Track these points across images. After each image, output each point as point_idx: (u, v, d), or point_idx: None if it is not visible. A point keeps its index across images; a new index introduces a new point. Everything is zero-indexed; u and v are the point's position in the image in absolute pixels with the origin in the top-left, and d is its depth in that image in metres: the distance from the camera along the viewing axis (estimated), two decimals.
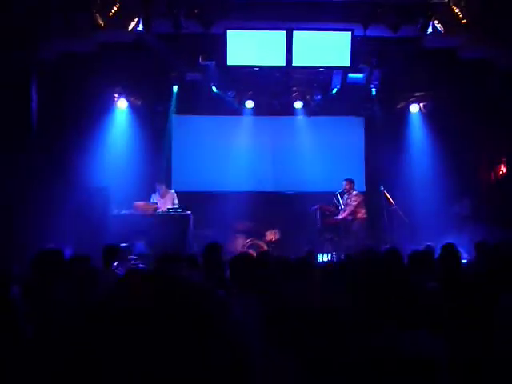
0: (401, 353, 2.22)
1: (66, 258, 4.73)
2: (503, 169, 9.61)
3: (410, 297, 3.13)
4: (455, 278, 3.97)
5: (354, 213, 9.18)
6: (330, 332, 2.32)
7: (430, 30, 7.88)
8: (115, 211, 8.79)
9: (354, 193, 9.33)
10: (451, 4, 7.58)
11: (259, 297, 3.15)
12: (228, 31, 8.45)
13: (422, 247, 6.65)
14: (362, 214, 9.22)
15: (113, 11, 7.78)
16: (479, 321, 3.10)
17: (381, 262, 4.48)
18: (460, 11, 7.52)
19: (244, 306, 2.92)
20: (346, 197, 9.42)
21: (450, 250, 5.04)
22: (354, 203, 9.19)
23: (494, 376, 2.64)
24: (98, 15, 7.73)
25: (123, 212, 8.80)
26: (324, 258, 8.85)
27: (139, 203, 8.95)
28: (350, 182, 9.42)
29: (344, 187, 9.40)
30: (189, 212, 9.01)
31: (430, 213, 9.37)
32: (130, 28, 7.93)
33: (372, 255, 5.15)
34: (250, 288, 3.25)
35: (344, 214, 9.25)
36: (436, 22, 7.83)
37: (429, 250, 5.83)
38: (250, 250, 9.20)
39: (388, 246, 6.75)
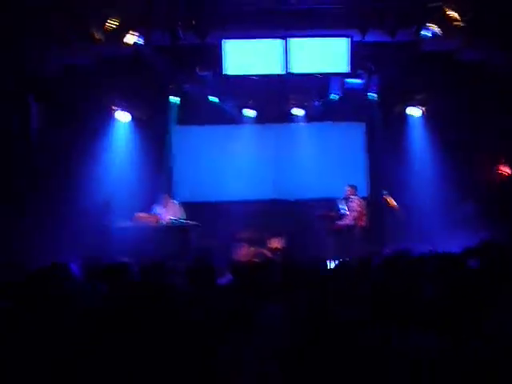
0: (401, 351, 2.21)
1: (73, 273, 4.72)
2: (506, 170, 9.60)
3: (408, 300, 3.12)
4: (457, 282, 3.94)
5: (357, 219, 9.16)
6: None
7: (427, 33, 7.89)
8: (118, 224, 8.79)
9: (356, 198, 9.30)
10: (447, 7, 7.58)
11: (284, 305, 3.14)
12: (224, 41, 8.47)
13: (424, 251, 6.61)
14: (362, 221, 9.20)
15: (111, 25, 7.81)
16: (479, 321, 3.08)
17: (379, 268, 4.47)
18: (456, 14, 7.52)
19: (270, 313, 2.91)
20: (348, 202, 9.40)
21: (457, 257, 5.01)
22: (359, 209, 9.16)
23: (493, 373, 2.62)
24: (95, 29, 7.77)
25: (126, 224, 8.78)
26: (331, 264, 8.79)
27: (141, 214, 8.94)
28: (352, 187, 9.42)
29: (346, 193, 9.39)
30: (192, 222, 9.00)
31: (434, 216, 9.34)
32: (129, 41, 7.96)
33: (369, 261, 5.13)
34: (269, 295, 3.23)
35: (348, 220, 9.22)
36: (433, 25, 7.83)
37: (432, 254, 5.81)
38: (255, 259, 9.19)
39: (389, 251, 6.71)
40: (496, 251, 4.82)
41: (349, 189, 9.39)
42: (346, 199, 9.44)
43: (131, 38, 7.89)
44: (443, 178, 9.67)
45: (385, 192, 9.29)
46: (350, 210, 9.28)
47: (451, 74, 9.04)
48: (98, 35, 7.61)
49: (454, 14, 7.60)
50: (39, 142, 8.39)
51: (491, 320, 2.82)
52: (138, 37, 7.96)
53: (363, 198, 9.54)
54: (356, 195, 9.37)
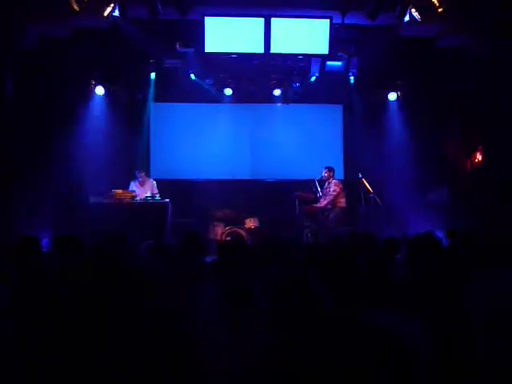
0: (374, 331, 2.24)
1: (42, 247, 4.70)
2: (479, 157, 9.73)
3: (379, 279, 3.18)
4: (430, 264, 4.02)
5: (333, 202, 9.20)
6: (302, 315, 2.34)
7: (407, 18, 7.91)
8: (93, 199, 8.72)
9: (334, 181, 9.32)
10: None
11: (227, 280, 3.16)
12: (206, 18, 8.39)
13: (398, 234, 6.71)
14: (341, 202, 9.24)
15: None
16: (452, 303, 3.15)
17: (350, 247, 4.53)
18: (436, 0, 7.55)
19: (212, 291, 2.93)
20: (325, 185, 9.43)
21: (431, 238, 5.11)
22: (334, 193, 9.18)
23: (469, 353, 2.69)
24: (73, 0, 7.61)
25: (101, 200, 8.71)
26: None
27: (117, 191, 8.88)
28: (330, 170, 9.40)
29: (323, 175, 9.41)
30: (167, 200, 8.98)
31: (407, 200, 9.44)
32: (106, 13, 7.82)
33: (342, 240, 5.20)
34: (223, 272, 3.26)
35: (323, 203, 9.26)
36: (413, 10, 7.85)
37: (404, 237, 5.91)
38: (229, 238, 9.22)
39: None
40: (462, 237, 4.94)
41: (326, 171, 9.40)
42: (323, 181, 9.47)
43: (108, 10, 7.74)
44: (418, 163, 9.78)
45: (360, 175, 9.33)
46: (327, 193, 9.32)
47: (430, 59, 9.10)
48: (75, 6, 7.45)
49: (435, 0, 7.62)
50: (14, 117, 8.22)
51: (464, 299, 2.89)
52: (114, 9, 7.80)
53: (339, 181, 9.58)
54: (333, 178, 9.40)
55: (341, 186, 9.33)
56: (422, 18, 7.85)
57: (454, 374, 2.27)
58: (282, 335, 2.31)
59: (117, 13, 7.93)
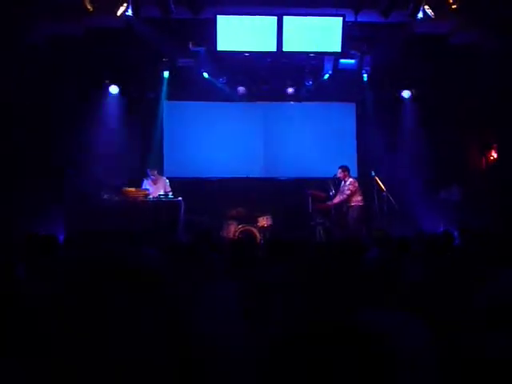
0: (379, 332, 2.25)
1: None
2: (494, 154, 9.65)
3: (390, 278, 3.17)
4: (445, 263, 4.01)
5: (348, 200, 9.18)
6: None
7: (420, 15, 7.86)
8: (106, 197, 8.79)
9: (350, 180, 9.29)
10: None
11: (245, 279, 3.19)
12: (218, 16, 8.41)
13: (411, 233, 6.69)
14: (358, 201, 9.21)
15: None
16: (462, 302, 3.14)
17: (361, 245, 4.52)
18: None
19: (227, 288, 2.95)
20: (341, 184, 9.42)
21: (446, 236, 5.11)
22: (348, 192, 9.16)
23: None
24: (86, 0, 7.68)
25: (114, 198, 8.78)
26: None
27: (129, 189, 8.94)
28: (344, 169, 9.39)
29: (338, 175, 9.40)
30: (180, 198, 9.02)
31: (420, 198, 9.40)
32: (119, 13, 7.89)
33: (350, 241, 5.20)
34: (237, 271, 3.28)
35: (336, 200, 9.27)
36: (427, 7, 7.80)
37: (418, 236, 5.90)
38: (242, 236, 9.24)
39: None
40: (474, 236, 4.91)
41: (340, 171, 9.38)
42: (337, 181, 9.46)
43: (121, 10, 7.80)
44: (431, 161, 9.72)
45: (373, 173, 9.31)
46: (341, 191, 9.31)
47: (444, 56, 9.03)
48: (88, 6, 7.52)
49: None
50: (27, 115, 8.31)
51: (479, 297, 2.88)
52: (128, 8, 7.85)
53: (356, 180, 9.55)
54: (349, 176, 9.37)
55: (357, 184, 9.31)
56: (435, 14, 7.79)
57: (460, 374, 2.27)
58: (295, 331, 2.32)
59: (130, 12, 7.97)
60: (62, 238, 7.36)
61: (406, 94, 10.51)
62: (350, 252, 3.99)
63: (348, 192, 9.16)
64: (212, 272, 3.83)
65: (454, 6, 7.49)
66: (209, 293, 2.75)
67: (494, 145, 9.62)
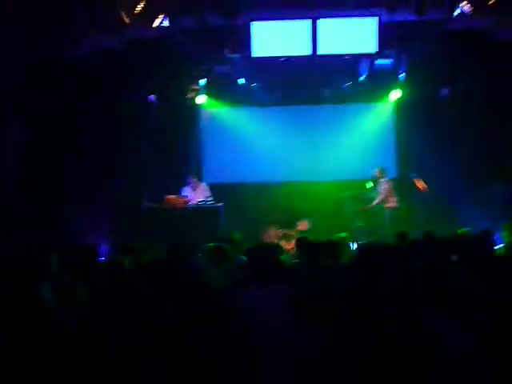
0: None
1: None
2: None
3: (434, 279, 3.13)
4: (485, 264, 3.93)
5: (383, 201, 9.13)
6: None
7: (457, 11, 7.73)
8: (148, 205, 8.96)
9: (383, 180, 9.27)
10: None
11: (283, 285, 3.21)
12: (252, 22, 8.47)
13: (454, 233, 6.57)
14: (392, 202, 9.15)
15: (138, 8, 7.90)
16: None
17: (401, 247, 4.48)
18: None
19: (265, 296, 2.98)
20: (377, 185, 9.39)
21: (484, 237, 5.00)
22: (384, 191, 9.14)
23: None
24: (123, 13, 7.87)
25: (155, 206, 8.94)
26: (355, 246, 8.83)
27: (170, 197, 9.08)
28: (382, 170, 9.38)
29: (375, 175, 9.37)
30: (220, 204, 9.10)
31: (463, 198, 9.23)
32: (156, 24, 8.05)
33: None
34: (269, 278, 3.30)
35: (374, 202, 9.21)
36: (464, 3, 7.67)
37: (461, 235, 5.80)
38: (282, 241, 9.26)
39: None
40: None
41: (377, 171, 9.37)
42: (375, 181, 9.41)
43: (157, 21, 7.96)
44: (472, 159, 9.52)
45: (413, 174, 9.21)
46: (378, 192, 9.25)
47: (483, 53, 8.84)
48: (126, 19, 7.70)
49: None
50: (67, 127, 8.57)
51: None
52: (165, 19, 8.01)
53: (391, 180, 9.47)
54: (385, 178, 9.32)
55: (391, 184, 9.24)
56: (472, 10, 7.65)
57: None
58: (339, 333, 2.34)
59: (166, 23, 8.12)
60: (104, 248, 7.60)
61: (444, 92, 10.32)
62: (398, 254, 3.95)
63: (384, 192, 9.12)
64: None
65: (491, 2, 7.33)
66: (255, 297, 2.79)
67: None
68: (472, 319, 2.75)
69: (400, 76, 9.96)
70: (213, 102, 10.72)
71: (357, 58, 9.49)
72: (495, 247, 5.55)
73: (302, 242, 5.71)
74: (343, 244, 6.21)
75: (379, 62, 9.55)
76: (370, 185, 9.43)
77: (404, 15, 8.24)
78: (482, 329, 2.74)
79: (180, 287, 2.46)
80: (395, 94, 10.29)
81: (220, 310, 2.30)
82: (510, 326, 2.67)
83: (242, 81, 10.13)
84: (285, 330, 2.49)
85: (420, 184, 9.09)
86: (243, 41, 8.77)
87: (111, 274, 3.62)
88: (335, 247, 5.14)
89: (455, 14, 7.82)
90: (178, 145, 10.51)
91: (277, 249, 4.61)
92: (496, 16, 7.84)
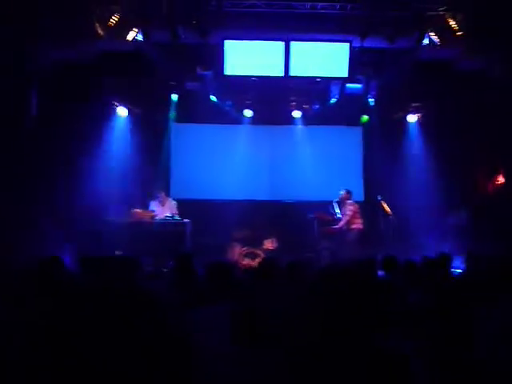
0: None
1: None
2: (501, 179, 9.64)
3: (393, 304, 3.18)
4: (441, 288, 4.00)
5: (349, 223, 9.21)
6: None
7: (425, 41, 7.96)
8: (114, 219, 8.85)
9: (349, 202, 9.36)
10: (447, 16, 7.66)
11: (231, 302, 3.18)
12: (225, 41, 8.54)
13: (417, 257, 6.67)
14: (357, 224, 9.24)
15: (112, 21, 7.88)
16: (459, 331, 3.13)
17: (357, 271, 4.52)
18: (455, 23, 7.60)
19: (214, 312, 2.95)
20: (342, 207, 9.46)
21: (442, 261, 5.11)
22: (350, 213, 9.21)
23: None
24: (97, 25, 7.84)
25: (121, 220, 8.84)
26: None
27: (137, 211, 8.99)
28: (347, 192, 9.46)
29: (341, 197, 9.45)
30: (187, 220, 9.05)
31: (426, 223, 9.40)
32: (130, 38, 8.03)
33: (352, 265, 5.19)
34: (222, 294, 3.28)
35: (340, 224, 9.28)
36: (432, 34, 7.91)
37: (423, 260, 5.89)
38: (247, 259, 9.26)
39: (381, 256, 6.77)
40: (480, 262, 4.90)
41: (344, 193, 9.44)
42: (340, 203, 9.49)
43: (131, 35, 7.96)
44: (438, 185, 9.73)
45: (379, 197, 9.33)
46: (344, 214, 9.34)
47: (450, 81, 9.09)
48: (100, 31, 7.67)
49: (453, 23, 7.67)
50: (36, 138, 8.43)
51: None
52: (138, 33, 8.02)
53: (358, 203, 9.59)
54: (350, 200, 9.42)
55: (356, 206, 9.34)
56: (440, 41, 7.89)
57: None
58: (295, 358, 2.32)
59: (140, 37, 8.12)
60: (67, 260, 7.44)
61: (411, 118, 10.58)
62: (360, 276, 3.98)
63: (350, 213, 9.20)
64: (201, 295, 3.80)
65: (458, 33, 7.57)
66: (199, 317, 2.75)
67: (502, 169, 9.62)
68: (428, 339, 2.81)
69: (369, 100, 10.17)
70: (183, 117, 10.72)
71: (328, 81, 9.64)
72: (454, 271, 5.68)
73: (264, 262, 5.70)
74: (307, 264, 6.23)
75: (350, 86, 9.73)
76: (335, 207, 9.50)
77: (375, 42, 8.43)
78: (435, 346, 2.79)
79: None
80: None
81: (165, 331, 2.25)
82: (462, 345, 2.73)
83: (213, 98, 10.17)
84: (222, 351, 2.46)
85: (385, 207, 9.22)
86: (216, 58, 8.82)
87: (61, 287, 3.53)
88: (298, 268, 5.14)
89: (424, 43, 8.02)
90: (147, 159, 10.42)
91: (232, 266, 4.59)
92: (462, 47, 8.09)
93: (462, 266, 6.67)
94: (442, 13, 7.75)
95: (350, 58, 8.66)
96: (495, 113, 8.89)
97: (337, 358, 2.21)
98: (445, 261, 5.00)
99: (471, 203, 9.71)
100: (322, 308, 2.74)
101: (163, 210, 9.36)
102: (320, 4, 8.03)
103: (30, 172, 8.33)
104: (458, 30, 7.68)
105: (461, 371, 2.56)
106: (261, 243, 9.78)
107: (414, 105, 10.45)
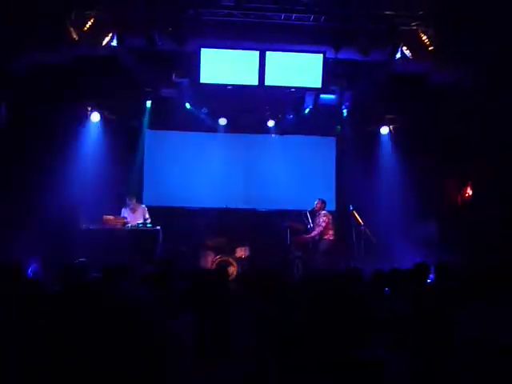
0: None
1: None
2: (469, 192, 9.84)
3: (362, 313, 3.21)
4: (420, 297, 4.07)
5: (322, 233, 9.28)
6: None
7: (398, 55, 8.10)
8: (84, 226, 8.73)
9: (323, 213, 9.44)
10: (419, 31, 7.81)
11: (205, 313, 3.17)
12: (202, 49, 8.56)
13: (388, 267, 6.74)
14: (329, 234, 9.32)
15: (87, 26, 7.81)
16: (436, 341, 3.18)
17: (337, 281, 4.56)
18: (427, 38, 7.75)
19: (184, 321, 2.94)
20: (316, 216, 9.52)
21: (421, 270, 5.20)
22: (323, 223, 9.29)
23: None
24: (72, 29, 7.76)
25: (92, 227, 8.73)
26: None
27: (108, 217, 8.90)
28: (322, 202, 9.54)
29: (315, 206, 9.52)
30: (158, 227, 9.00)
31: (397, 234, 9.51)
32: (104, 43, 7.97)
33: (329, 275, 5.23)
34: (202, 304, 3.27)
35: (313, 234, 9.34)
36: (404, 48, 8.05)
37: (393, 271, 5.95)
38: (218, 267, 9.21)
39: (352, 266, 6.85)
40: (448, 272, 5.00)
41: (318, 203, 9.52)
42: (314, 213, 9.56)
43: (106, 40, 7.90)
44: (409, 197, 9.87)
45: (351, 207, 9.43)
46: (317, 224, 9.40)
47: (422, 94, 9.28)
48: (74, 35, 7.60)
49: (425, 38, 7.82)
50: (8, 141, 8.30)
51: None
52: (113, 39, 7.96)
53: (331, 212, 9.67)
54: (324, 210, 9.49)
55: (330, 217, 9.42)
56: (412, 55, 8.04)
57: None
58: (265, 367, 2.33)
59: (115, 42, 8.06)
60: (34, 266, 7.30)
61: (384, 130, 10.73)
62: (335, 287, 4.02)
63: (323, 224, 9.28)
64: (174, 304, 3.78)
65: (430, 48, 7.73)
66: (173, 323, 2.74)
67: (470, 182, 9.83)
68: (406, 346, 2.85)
69: (343, 111, 10.29)
70: (157, 124, 10.66)
71: (302, 91, 9.72)
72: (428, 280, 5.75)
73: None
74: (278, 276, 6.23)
75: (324, 96, 9.83)
76: (308, 216, 9.57)
77: (349, 54, 8.54)
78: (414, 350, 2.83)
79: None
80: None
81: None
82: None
83: (188, 105, 10.16)
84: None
85: (357, 217, 9.31)
86: (192, 66, 8.83)
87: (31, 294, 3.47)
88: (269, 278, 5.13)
89: (397, 56, 8.17)
90: (120, 165, 10.32)
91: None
92: (434, 61, 8.26)
93: (431, 276, 6.79)
94: (414, 28, 7.88)
95: (323, 69, 8.77)
96: (466, 126, 9.08)
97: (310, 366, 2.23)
98: (425, 270, 5.10)
99: (440, 214, 9.88)
100: (294, 317, 2.76)
101: (135, 216, 9.30)
102: (294, 15, 8.10)
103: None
104: (430, 45, 7.82)
105: (440, 377, 2.61)
106: (233, 251, 9.77)
107: (387, 117, 10.60)
